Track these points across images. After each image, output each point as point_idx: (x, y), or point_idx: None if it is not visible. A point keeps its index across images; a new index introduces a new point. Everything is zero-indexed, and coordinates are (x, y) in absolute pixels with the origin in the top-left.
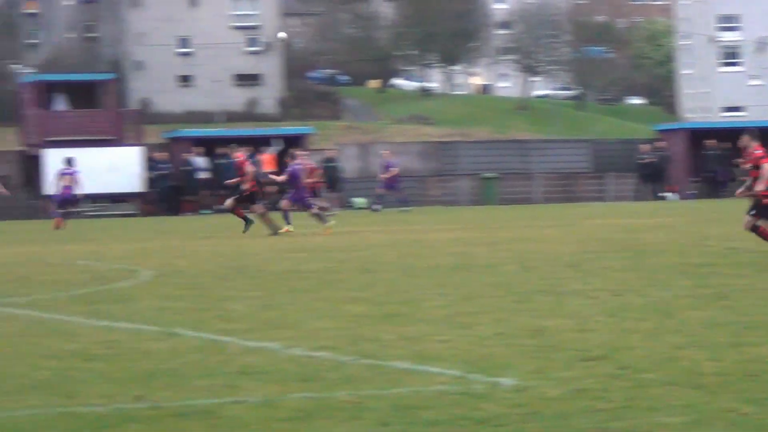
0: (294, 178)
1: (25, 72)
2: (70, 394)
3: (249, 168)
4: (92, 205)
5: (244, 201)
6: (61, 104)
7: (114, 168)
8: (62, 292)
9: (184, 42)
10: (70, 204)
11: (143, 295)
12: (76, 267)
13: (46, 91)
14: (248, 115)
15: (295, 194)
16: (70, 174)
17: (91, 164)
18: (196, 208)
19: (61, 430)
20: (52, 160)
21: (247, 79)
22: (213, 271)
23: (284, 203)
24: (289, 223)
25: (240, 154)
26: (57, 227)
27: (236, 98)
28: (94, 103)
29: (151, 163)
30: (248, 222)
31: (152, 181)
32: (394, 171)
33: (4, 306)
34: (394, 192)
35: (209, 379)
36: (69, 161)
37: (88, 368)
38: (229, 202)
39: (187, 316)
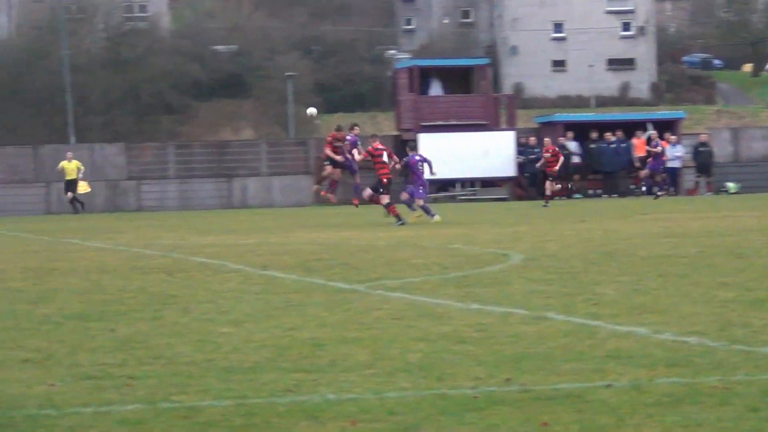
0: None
1: (401, 57)
2: (440, 376)
3: None
4: (464, 190)
5: None
6: (436, 89)
7: (487, 153)
8: (434, 276)
9: (558, 27)
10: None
11: (513, 279)
12: (448, 250)
13: (421, 76)
14: (621, 100)
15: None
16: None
17: (464, 149)
18: (567, 193)
19: (431, 411)
20: (427, 144)
21: (621, 64)
22: (582, 256)
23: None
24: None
25: None
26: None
27: (609, 83)
28: (468, 88)
29: (523, 148)
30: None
31: (523, 166)
32: None
33: (376, 289)
34: None
35: (577, 363)
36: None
37: (459, 351)
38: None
39: (557, 300)
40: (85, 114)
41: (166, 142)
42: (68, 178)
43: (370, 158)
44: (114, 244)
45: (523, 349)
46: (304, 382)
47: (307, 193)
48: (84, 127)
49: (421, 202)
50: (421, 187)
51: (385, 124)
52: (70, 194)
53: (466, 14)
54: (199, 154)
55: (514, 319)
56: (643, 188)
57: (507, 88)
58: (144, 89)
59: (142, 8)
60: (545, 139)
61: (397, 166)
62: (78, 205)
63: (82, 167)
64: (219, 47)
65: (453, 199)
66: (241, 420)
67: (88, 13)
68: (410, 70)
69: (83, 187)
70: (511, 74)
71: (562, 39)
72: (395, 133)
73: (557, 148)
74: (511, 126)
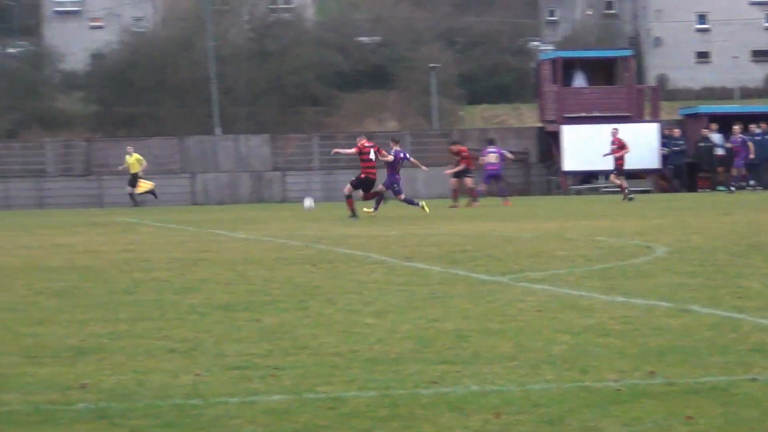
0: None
1: (545, 49)
2: (583, 368)
3: None
4: (607, 182)
5: None
6: (579, 81)
7: (630, 144)
8: (579, 268)
9: (701, 18)
10: (496, 181)
11: (658, 271)
12: (593, 242)
13: (565, 67)
14: (765, 92)
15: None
16: (497, 152)
17: (607, 141)
18: (712, 185)
19: (575, 404)
20: (570, 136)
21: (765, 55)
22: (727, 248)
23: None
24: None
25: None
26: (504, 205)
27: (754, 74)
28: (612, 80)
29: (666, 140)
30: None
31: (666, 158)
32: None
33: (520, 281)
34: None
35: (722, 356)
36: (491, 141)
37: (602, 343)
38: None
39: (701, 292)
40: (230, 105)
41: (310, 133)
42: (132, 171)
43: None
44: (259, 235)
45: (667, 341)
46: (448, 374)
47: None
48: (229, 118)
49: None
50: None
51: (528, 115)
52: (129, 188)
53: (609, 5)
54: (343, 145)
55: (659, 312)
56: None
57: (650, 79)
58: (288, 80)
59: (287, 0)
60: (612, 129)
61: (389, 158)
62: (134, 201)
63: (144, 162)
64: (363, 38)
65: (596, 191)
66: (386, 411)
67: (234, 4)
68: (553, 61)
69: (144, 185)
70: (655, 65)
71: (706, 30)
72: (539, 124)
73: (623, 140)
74: (654, 118)
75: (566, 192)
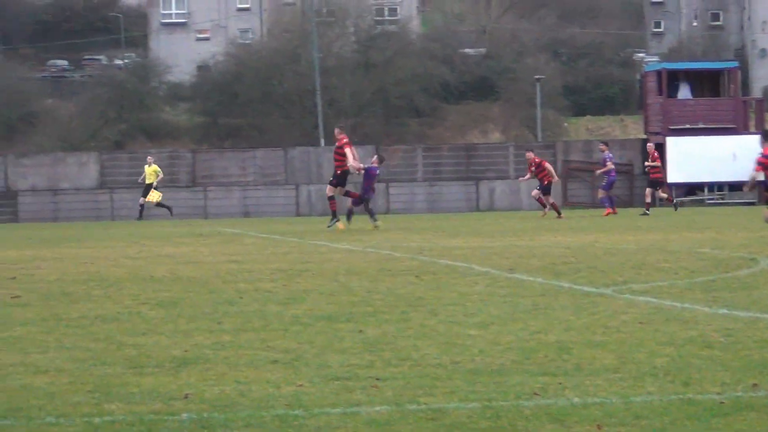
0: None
1: (650, 60)
2: (686, 381)
3: None
4: (712, 194)
5: None
6: (685, 92)
7: (735, 156)
8: (682, 280)
9: None
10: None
11: (762, 284)
12: (696, 254)
13: (670, 79)
14: None
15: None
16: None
17: (712, 152)
18: None
19: (678, 416)
20: (675, 148)
21: None
22: None
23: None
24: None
25: None
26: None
27: None
28: (717, 91)
29: None
30: None
31: None
32: None
33: (623, 293)
34: None
35: None
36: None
37: (705, 356)
38: None
39: None
40: (334, 116)
41: (414, 144)
42: (147, 182)
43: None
44: (362, 246)
45: None
46: (550, 386)
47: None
48: (333, 129)
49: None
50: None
51: (633, 127)
52: (142, 199)
53: (715, 17)
54: (446, 157)
55: (762, 325)
56: None
57: (756, 91)
58: (393, 92)
59: (392, 12)
60: (648, 145)
61: (360, 169)
62: (140, 212)
63: (161, 173)
64: (468, 50)
65: (701, 202)
66: (487, 423)
67: (339, 16)
68: (659, 73)
69: (154, 196)
70: (760, 77)
71: None
72: (642, 136)
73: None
74: (759, 130)
75: (671, 204)
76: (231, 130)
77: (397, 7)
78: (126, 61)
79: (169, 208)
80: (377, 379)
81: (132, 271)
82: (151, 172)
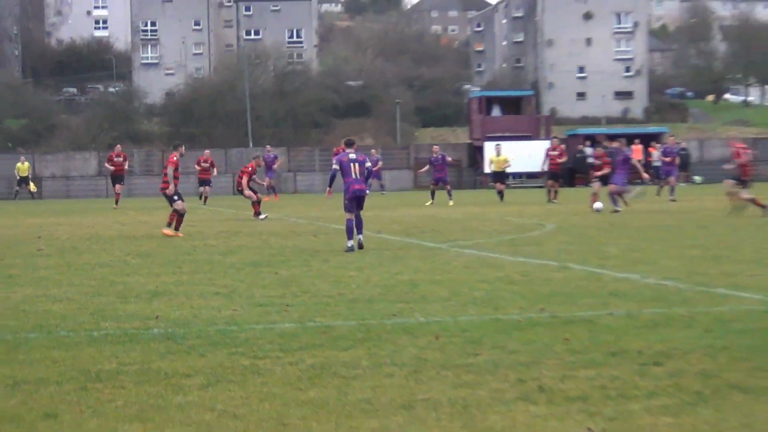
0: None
1: (474, 89)
2: (496, 306)
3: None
4: (516, 180)
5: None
6: (497, 111)
7: (531, 155)
8: (494, 238)
9: (581, 69)
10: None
11: (548, 241)
12: (505, 221)
13: (487, 102)
14: (623, 120)
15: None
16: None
17: (516, 152)
18: (585, 183)
19: (489, 330)
20: (489, 149)
21: (623, 95)
22: (596, 226)
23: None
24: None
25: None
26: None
27: (615, 107)
28: (519, 111)
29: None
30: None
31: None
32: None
33: (454, 246)
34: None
35: (590, 298)
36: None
37: (509, 290)
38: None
39: (576, 255)
40: (259, 127)
41: (314, 147)
42: (21, 175)
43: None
44: (280, 216)
45: (553, 288)
46: (404, 310)
47: (408, 181)
48: (259, 135)
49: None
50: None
51: (462, 135)
52: (17, 188)
53: (518, 60)
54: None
55: (547, 269)
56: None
57: (545, 111)
58: (299, 111)
59: (299, 56)
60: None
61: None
62: (17, 195)
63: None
64: (351, 82)
65: (508, 186)
66: (361, 335)
67: (262, 58)
68: (479, 98)
69: (32, 186)
70: (549, 101)
71: (584, 78)
72: (468, 141)
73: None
74: (547, 137)
75: (486, 187)
76: (189, 137)
77: (303, 52)
78: (116, 88)
79: (16, 195)
80: (287, 305)
81: (121, 232)
82: (24, 168)
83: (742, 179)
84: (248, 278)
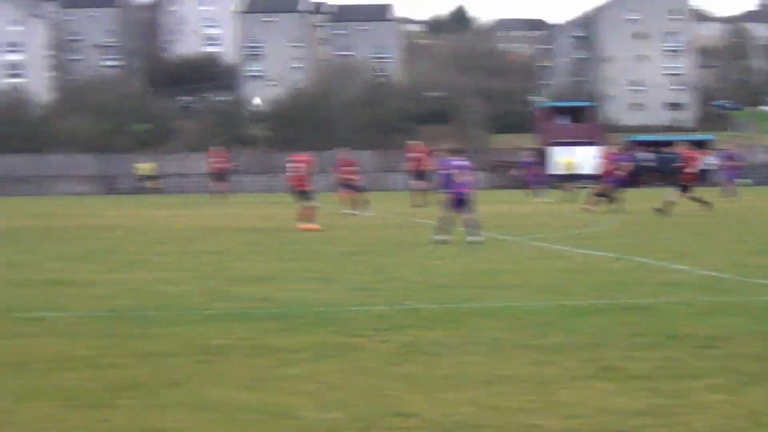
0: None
1: (540, 100)
2: (562, 293)
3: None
4: (583, 182)
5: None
6: (562, 120)
7: (594, 159)
8: (560, 232)
9: (635, 82)
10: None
11: (608, 236)
12: (573, 217)
13: (552, 111)
14: (673, 128)
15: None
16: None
17: (581, 156)
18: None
19: (557, 314)
20: (556, 153)
21: (673, 106)
22: (652, 224)
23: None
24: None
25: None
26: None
27: (666, 117)
28: (582, 120)
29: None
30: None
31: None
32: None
33: (527, 240)
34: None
35: (645, 287)
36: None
37: (573, 278)
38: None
39: (632, 248)
40: (348, 132)
41: (400, 149)
42: (144, 173)
43: None
44: (370, 213)
45: (611, 277)
46: (479, 295)
47: (484, 182)
48: (347, 138)
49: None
50: None
51: (528, 141)
52: (140, 184)
53: (580, 75)
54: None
55: (605, 259)
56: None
57: (605, 120)
58: (384, 118)
59: (384, 70)
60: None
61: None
62: (140, 190)
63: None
64: (429, 93)
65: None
66: (445, 317)
67: (352, 72)
68: (546, 108)
69: (154, 183)
70: (609, 111)
71: (640, 90)
72: (536, 146)
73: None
74: (607, 143)
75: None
76: (290, 140)
77: (387, 66)
78: (225, 98)
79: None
80: (377, 290)
81: (229, 224)
82: (147, 167)
83: None
84: (343, 265)
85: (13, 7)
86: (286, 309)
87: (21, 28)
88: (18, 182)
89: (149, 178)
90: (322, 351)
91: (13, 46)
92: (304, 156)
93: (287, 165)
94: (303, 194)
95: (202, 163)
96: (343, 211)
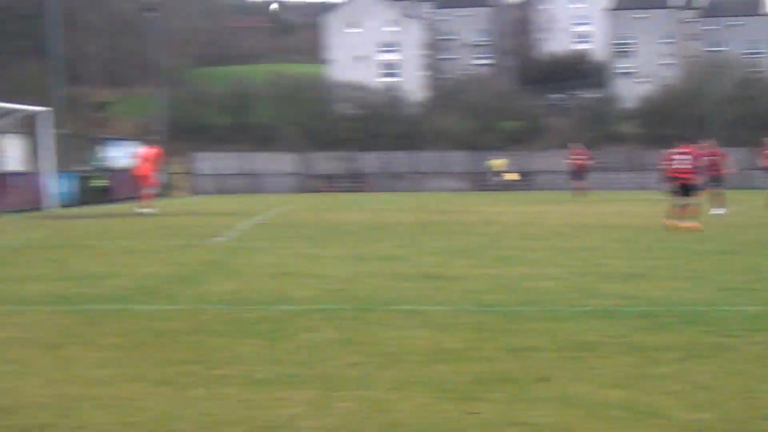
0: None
1: None
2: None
3: None
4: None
5: None
6: None
7: None
8: None
9: None
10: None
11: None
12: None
13: None
14: None
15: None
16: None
17: None
18: None
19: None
20: None
21: None
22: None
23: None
24: None
25: None
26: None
27: None
28: None
29: None
30: None
31: None
32: None
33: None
34: None
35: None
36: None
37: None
38: None
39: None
40: (719, 129)
41: None
42: (497, 170)
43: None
44: (737, 209)
45: None
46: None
47: None
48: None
49: None
50: None
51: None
52: (495, 179)
53: None
54: None
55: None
56: None
57: None
58: (757, 114)
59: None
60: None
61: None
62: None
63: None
64: None
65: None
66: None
67: (723, 67)
68: None
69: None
70: None
71: None
72: None
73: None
74: None
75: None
76: (657, 137)
77: (762, 62)
78: (594, 95)
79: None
80: (753, 289)
81: (599, 221)
82: (499, 163)
83: None
84: (714, 264)
85: (389, 8)
86: (655, 307)
87: (397, 28)
88: (394, 178)
89: (502, 173)
90: (690, 350)
91: (390, 46)
92: (690, 148)
93: (671, 158)
94: (688, 188)
95: (563, 160)
96: (711, 211)
